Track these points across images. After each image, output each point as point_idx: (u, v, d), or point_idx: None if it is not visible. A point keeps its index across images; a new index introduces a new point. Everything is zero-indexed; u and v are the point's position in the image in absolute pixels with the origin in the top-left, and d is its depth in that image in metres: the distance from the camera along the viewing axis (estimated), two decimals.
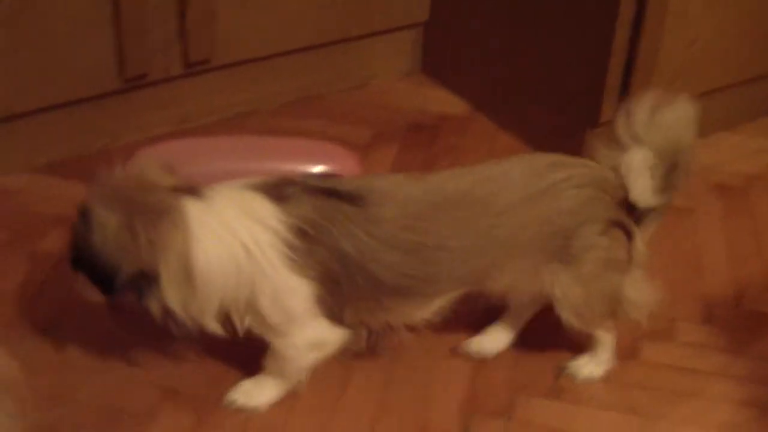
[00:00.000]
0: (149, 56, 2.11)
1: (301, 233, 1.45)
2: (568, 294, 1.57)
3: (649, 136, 1.56)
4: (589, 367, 1.71)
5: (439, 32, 2.50)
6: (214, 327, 1.50)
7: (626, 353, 1.77)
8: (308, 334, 1.53)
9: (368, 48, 2.47)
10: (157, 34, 2.09)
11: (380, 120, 2.37)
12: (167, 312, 1.46)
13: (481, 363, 1.74)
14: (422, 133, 2.33)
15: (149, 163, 1.52)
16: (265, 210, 1.46)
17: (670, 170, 1.58)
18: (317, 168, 1.98)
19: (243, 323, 1.51)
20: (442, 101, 2.47)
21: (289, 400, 1.62)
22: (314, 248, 1.46)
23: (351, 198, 1.48)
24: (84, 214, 1.45)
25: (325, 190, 1.49)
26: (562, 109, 2.19)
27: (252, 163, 1.98)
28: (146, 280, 1.43)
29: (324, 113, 2.38)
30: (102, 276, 1.46)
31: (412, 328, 1.62)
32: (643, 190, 1.57)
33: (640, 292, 1.63)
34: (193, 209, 1.44)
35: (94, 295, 1.50)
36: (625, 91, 2.09)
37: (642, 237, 1.61)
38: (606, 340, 1.70)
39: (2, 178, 2.10)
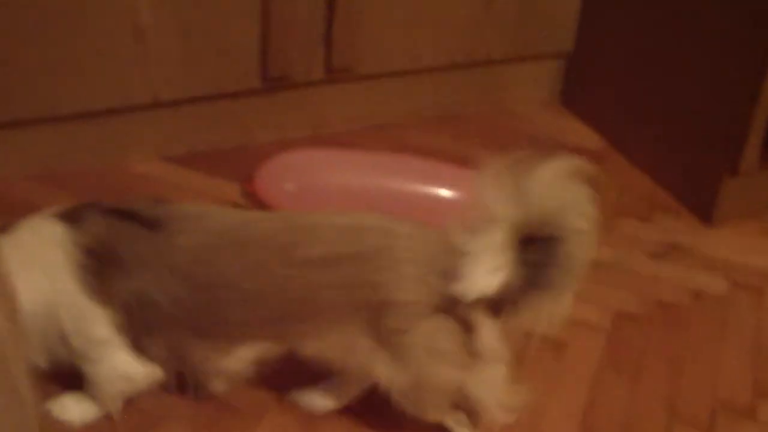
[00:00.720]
0: (292, 58, 2.12)
1: (92, 254, 1.39)
2: (393, 379, 1.41)
3: (508, 207, 1.33)
4: None
5: (582, 64, 2.47)
6: (41, 361, 1.44)
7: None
8: (113, 365, 1.45)
9: (509, 73, 2.45)
10: (303, 36, 2.10)
11: (515, 146, 2.33)
12: None
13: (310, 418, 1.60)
14: None
15: None
16: (60, 234, 1.41)
17: (543, 258, 1.34)
18: (448, 193, 1.97)
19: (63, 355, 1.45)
20: (578, 134, 2.44)
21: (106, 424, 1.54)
22: (107, 270, 1.40)
23: (149, 222, 1.41)
24: None
25: (122, 212, 1.43)
26: (700, 153, 2.14)
27: (386, 181, 1.98)
28: None
29: (458, 133, 2.36)
30: None
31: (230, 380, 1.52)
32: (478, 276, 1.32)
33: (491, 391, 1.44)
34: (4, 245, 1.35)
35: None
36: None
37: (497, 330, 1.40)
38: (458, 420, 1.52)
39: (139, 164, 2.14)
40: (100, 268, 1.40)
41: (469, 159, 2.11)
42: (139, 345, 1.44)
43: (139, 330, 1.42)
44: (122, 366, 1.45)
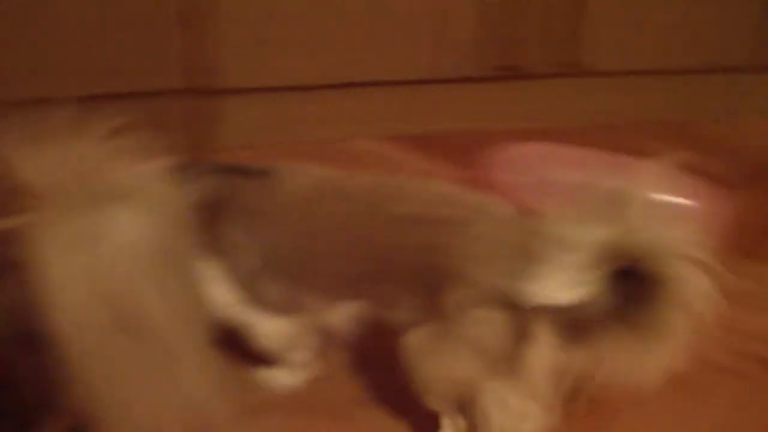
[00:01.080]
0: (521, 49, 2.13)
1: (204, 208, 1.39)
2: (418, 345, 1.31)
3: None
4: None
5: None
6: None
7: None
8: (260, 328, 1.46)
9: (743, 82, 2.40)
10: (533, 28, 2.11)
11: (749, 159, 2.28)
12: None
13: None
14: None
15: None
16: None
17: (639, 293, 1.21)
18: (672, 198, 1.94)
19: None
20: None
21: None
22: (219, 223, 1.41)
23: (257, 174, 1.41)
24: None
25: (231, 168, 1.43)
26: None
27: (601, 179, 1.97)
28: None
29: (688, 141, 2.32)
30: None
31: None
32: (551, 282, 1.20)
33: (500, 411, 1.30)
34: None
35: None
36: None
37: (552, 356, 1.25)
38: (453, 424, 1.39)
39: (365, 141, 2.19)
40: (212, 222, 1.39)
41: (700, 169, 2.08)
42: (258, 299, 1.43)
43: (255, 282, 1.42)
44: (266, 326, 1.45)
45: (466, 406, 1.34)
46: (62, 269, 1.12)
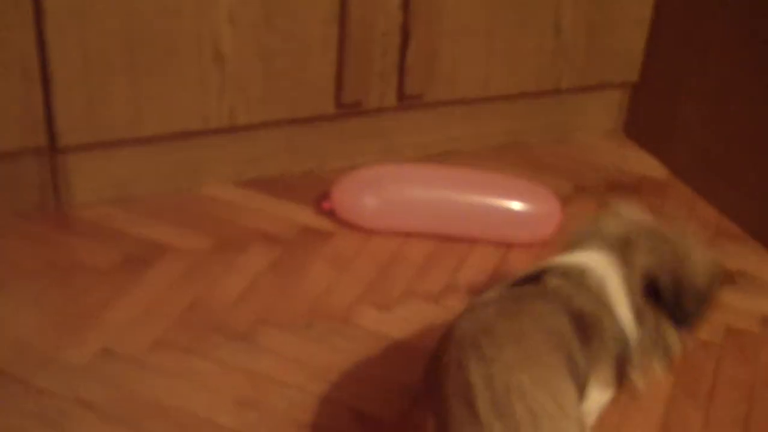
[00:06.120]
0: (366, 85, 2.15)
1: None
2: None
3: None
4: None
5: (646, 95, 2.49)
6: None
7: None
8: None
9: (576, 102, 2.47)
10: (378, 64, 2.13)
11: (580, 174, 2.37)
12: None
13: None
14: (621, 192, 2.31)
15: None
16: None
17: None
18: (519, 206, 2.02)
19: None
20: (642, 163, 2.45)
21: None
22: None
23: None
24: None
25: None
26: (764, 180, 2.15)
27: (452, 194, 2.03)
28: None
29: (526, 161, 2.39)
30: None
31: None
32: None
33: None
34: None
35: None
36: None
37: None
38: None
39: (212, 188, 2.18)
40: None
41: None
42: None
43: None
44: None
45: None
46: None
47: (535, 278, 1.41)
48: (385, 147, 2.30)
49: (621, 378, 1.39)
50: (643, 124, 2.52)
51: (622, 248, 1.42)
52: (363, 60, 2.11)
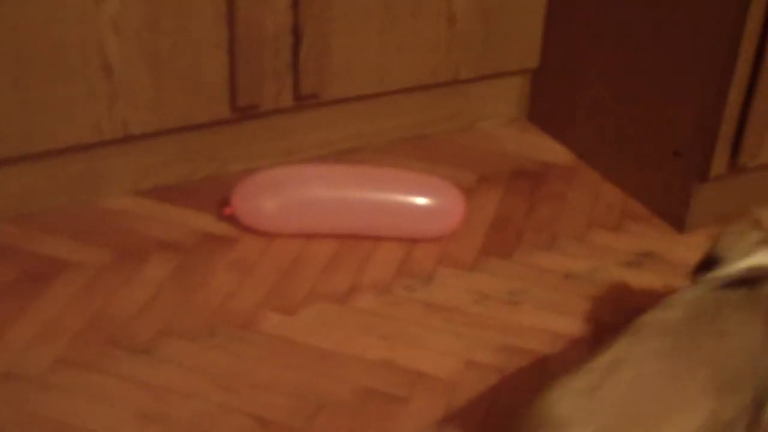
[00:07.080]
0: (261, 87, 2.12)
1: None
2: None
3: None
4: None
5: (547, 80, 2.49)
6: None
7: None
8: None
9: (476, 91, 2.47)
10: (270, 64, 2.11)
11: (484, 164, 2.37)
12: None
13: None
14: (526, 180, 2.31)
15: None
16: None
17: None
18: (421, 200, 2.01)
19: None
20: (547, 149, 2.45)
21: None
22: None
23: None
24: None
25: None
26: (670, 162, 2.16)
27: (353, 192, 2.02)
28: None
29: (429, 154, 2.38)
30: None
31: None
32: None
33: None
34: None
35: None
36: (738, 147, 2.06)
37: None
38: None
39: (109, 199, 2.14)
40: None
41: (442, 178, 2.17)
42: None
43: None
44: None
45: None
46: None
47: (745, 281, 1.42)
48: (285, 148, 2.28)
49: None
50: (546, 110, 2.52)
51: None
52: (255, 61, 2.08)
